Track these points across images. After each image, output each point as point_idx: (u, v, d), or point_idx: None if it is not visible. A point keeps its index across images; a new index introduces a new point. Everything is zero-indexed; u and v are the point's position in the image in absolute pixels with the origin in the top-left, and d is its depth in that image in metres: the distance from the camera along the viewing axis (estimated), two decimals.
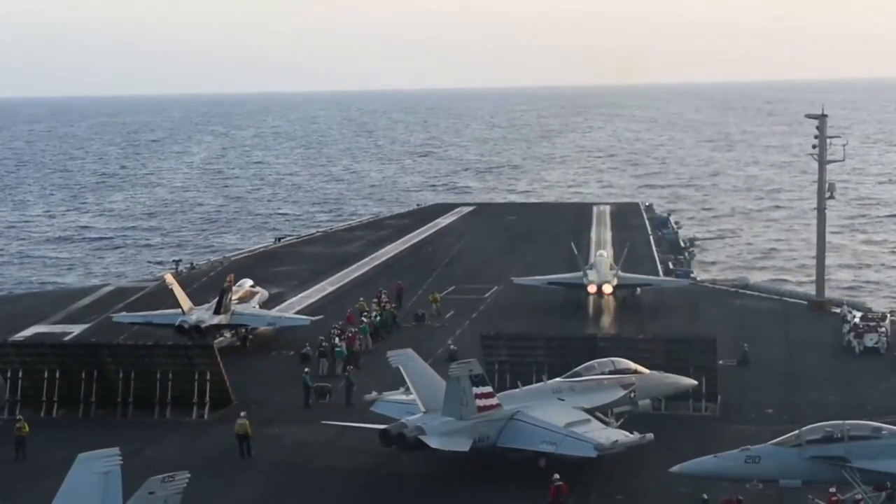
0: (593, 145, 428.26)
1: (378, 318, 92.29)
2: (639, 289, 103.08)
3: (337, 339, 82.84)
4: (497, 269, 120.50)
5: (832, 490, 50.64)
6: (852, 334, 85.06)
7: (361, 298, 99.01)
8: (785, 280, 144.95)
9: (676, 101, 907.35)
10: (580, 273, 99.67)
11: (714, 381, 69.53)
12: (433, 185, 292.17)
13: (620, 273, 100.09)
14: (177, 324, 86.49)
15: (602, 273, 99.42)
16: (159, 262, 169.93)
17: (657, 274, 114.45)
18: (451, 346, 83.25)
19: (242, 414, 64.09)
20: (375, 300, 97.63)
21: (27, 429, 63.55)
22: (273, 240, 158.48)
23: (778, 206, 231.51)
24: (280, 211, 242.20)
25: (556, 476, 53.68)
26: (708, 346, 70.25)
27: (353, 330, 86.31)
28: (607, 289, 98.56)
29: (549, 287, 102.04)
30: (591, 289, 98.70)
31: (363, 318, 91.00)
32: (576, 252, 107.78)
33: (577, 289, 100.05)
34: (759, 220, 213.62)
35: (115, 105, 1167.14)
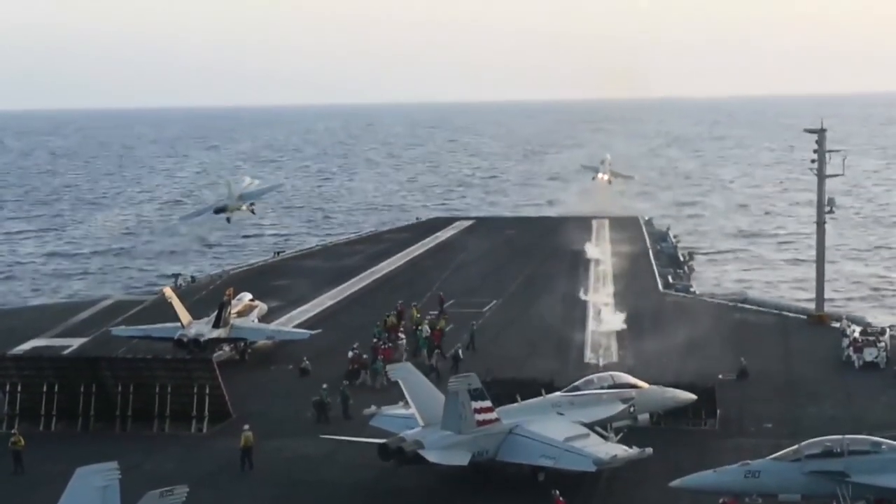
0: (593, 159, 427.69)
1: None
2: (617, 176, 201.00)
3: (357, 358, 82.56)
4: (496, 284, 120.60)
5: None
6: (851, 349, 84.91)
7: (392, 312, 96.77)
8: (784, 294, 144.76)
9: (679, 114, 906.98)
10: (596, 168, 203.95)
11: (714, 407, 69.52)
12: (432, 199, 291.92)
13: (612, 170, 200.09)
14: (176, 337, 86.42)
15: (604, 170, 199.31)
16: (158, 277, 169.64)
17: (656, 287, 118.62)
18: (458, 349, 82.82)
19: (247, 427, 64.10)
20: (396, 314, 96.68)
21: (22, 442, 63.46)
22: (272, 253, 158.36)
23: (778, 220, 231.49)
24: (277, 225, 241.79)
25: (556, 491, 53.64)
26: (706, 394, 69.27)
27: (386, 344, 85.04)
28: (607, 177, 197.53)
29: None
30: (600, 177, 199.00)
31: (400, 334, 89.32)
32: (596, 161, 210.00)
33: (593, 171, 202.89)
34: (759, 233, 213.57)
35: (114, 118, 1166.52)
